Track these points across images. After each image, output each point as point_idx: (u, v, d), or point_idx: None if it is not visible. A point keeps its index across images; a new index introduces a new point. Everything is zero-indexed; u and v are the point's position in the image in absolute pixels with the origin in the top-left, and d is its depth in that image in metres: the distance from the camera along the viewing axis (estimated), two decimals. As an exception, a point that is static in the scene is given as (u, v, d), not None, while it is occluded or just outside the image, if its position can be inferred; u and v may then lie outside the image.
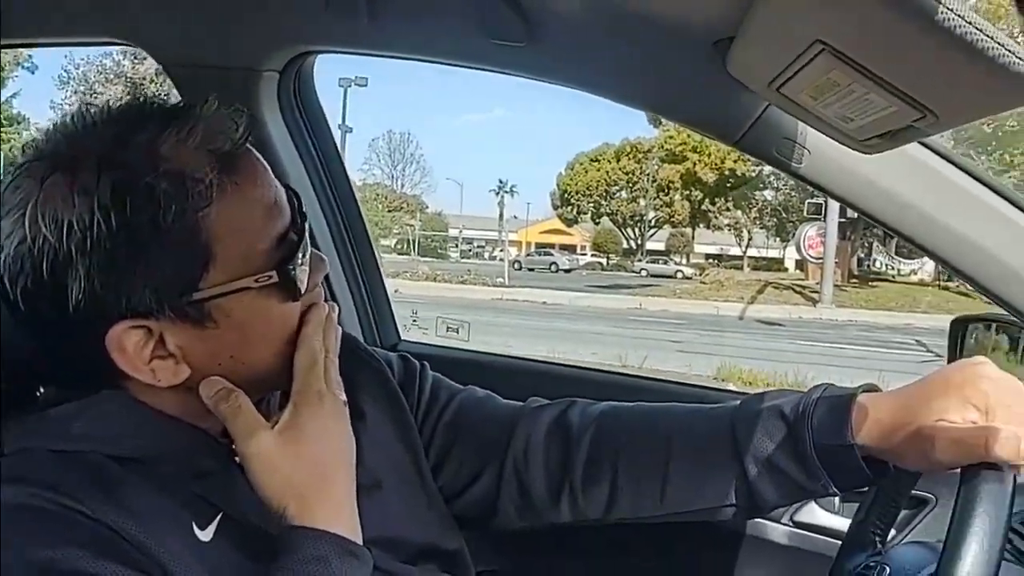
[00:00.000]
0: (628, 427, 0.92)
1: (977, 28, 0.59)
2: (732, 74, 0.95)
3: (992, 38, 0.60)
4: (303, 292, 0.75)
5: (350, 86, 25.54)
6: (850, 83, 0.75)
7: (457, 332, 6.46)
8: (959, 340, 1.39)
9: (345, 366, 0.80)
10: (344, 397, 0.77)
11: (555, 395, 1.01)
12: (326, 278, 0.84)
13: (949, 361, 1.25)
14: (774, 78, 0.84)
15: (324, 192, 1.57)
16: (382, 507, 0.84)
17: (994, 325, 1.28)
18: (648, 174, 32.34)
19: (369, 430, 0.88)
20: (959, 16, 0.59)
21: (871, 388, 0.81)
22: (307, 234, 0.76)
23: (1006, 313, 1.06)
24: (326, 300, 0.81)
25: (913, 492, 1.15)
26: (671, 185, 32.19)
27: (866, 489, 0.87)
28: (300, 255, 0.74)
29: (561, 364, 1.96)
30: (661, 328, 15.20)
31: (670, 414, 0.92)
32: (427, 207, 40.50)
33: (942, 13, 0.59)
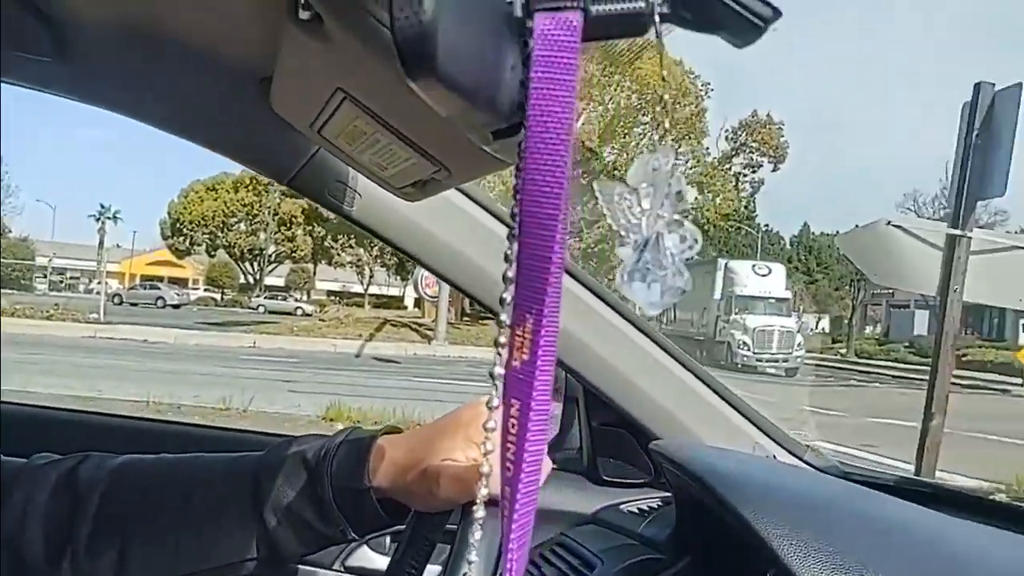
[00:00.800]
0: (143, 483, 0.84)
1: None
2: (279, 113, 0.93)
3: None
4: None
5: (-92, 82, 21.63)
6: (374, 132, 0.76)
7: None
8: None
9: None
10: None
11: (77, 448, 0.89)
12: None
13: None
14: (313, 120, 0.84)
15: None
16: None
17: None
18: (269, 207, 31.67)
19: None
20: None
21: (392, 430, 0.83)
22: None
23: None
24: None
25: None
26: (293, 220, 31.86)
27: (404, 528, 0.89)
28: None
29: (89, 412, 1.76)
30: (275, 367, 14.86)
31: (192, 465, 0.86)
32: (10, 231, 36.07)
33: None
